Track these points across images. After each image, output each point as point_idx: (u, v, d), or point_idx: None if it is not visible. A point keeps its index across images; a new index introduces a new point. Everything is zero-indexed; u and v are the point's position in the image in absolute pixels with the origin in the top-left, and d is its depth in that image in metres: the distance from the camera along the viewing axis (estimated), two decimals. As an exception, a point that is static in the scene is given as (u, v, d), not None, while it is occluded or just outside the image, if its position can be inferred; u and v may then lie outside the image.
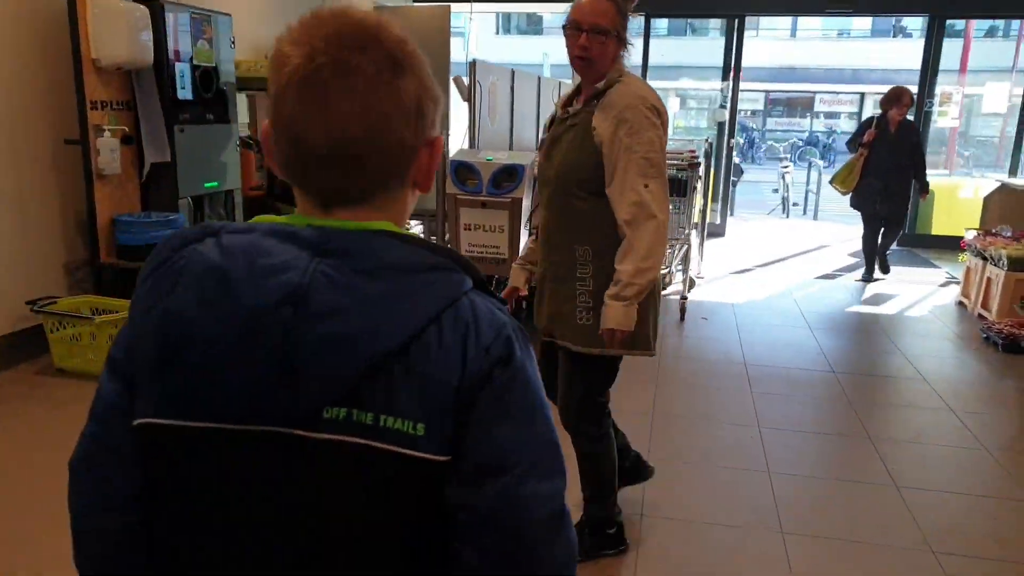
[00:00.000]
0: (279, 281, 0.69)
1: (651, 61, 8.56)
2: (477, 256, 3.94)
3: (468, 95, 4.68)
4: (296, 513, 0.73)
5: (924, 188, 6.47)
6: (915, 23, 22.71)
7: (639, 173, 2.02)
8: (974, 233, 6.07)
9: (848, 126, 25.80)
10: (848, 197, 6.54)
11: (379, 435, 0.70)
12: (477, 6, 9.17)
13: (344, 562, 0.74)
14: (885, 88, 6.30)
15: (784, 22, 22.86)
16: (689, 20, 20.02)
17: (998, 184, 7.63)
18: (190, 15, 4.40)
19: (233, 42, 4.84)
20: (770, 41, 22.65)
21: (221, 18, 4.70)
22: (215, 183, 4.70)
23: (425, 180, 0.81)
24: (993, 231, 6.06)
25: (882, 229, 6.55)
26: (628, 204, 2.03)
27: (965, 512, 2.86)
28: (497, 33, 25.78)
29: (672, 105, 22.91)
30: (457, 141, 5.18)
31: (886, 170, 6.22)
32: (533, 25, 26.41)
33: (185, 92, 4.38)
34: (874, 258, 6.62)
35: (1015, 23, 16.81)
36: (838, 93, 25.12)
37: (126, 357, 0.77)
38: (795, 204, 11.86)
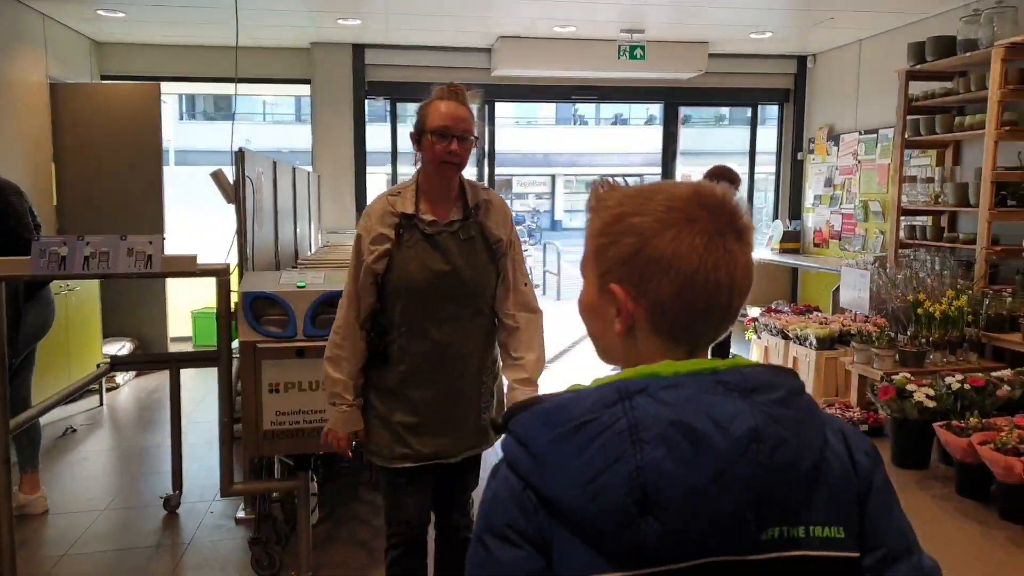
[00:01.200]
0: (741, 426, 0.77)
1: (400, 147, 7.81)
2: (292, 429, 2.69)
3: (234, 195, 3.43)
4: None
5: None
6: (590, 113, 25.21)
7: (523, 272, 2.26)
8: (758, 310, 6.12)
9: (540, 204, 27.60)
10: None
11: (811, 545, 0.80)
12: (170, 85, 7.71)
13: None
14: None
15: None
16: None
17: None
18: None
19: None
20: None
21: None
22: None
23: None
24: (773, 307, 6.17)
25: None
26: (526, 299, 2.23)
27: None
28: (181, 119, 23.42)
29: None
30: (217, 257, 3.82)
31: None
32: (222, 110, 24.49)
33: None
34: None
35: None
36: (531, 176, 26.83)
37: (529, 524, 0.80)
38: (536, 285, 11.81)
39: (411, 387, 2.13)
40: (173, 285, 6.66)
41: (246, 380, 2.63)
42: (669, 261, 0.81)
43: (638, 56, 6.95)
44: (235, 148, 3.44)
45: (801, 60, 7.87)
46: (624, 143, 23.58)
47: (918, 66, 5.59)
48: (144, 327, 6.29)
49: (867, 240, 6.78)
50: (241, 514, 3.53)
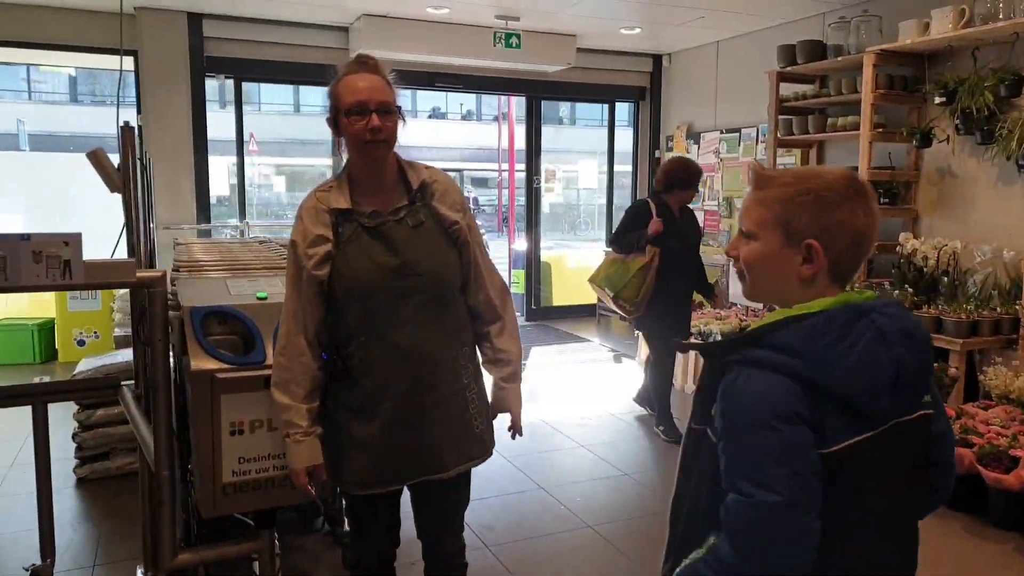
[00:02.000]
0: (923, 330, 1.22)
1: (247, 135, 6.95)
2: (259, 479, 2.10)
3: (122, 182, 2.72)
4: (907, 467, 1.22)
5: (710, 292, 4.81)
6: (407, 105, 24.61)
7: (486, 254, 2.07)
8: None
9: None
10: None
11: (927, 406, 1.25)
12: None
13: (911, 478, 1.25)
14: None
15: (286, 96, 22.50)
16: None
17: (605, 253, 8.10)
18: None
19: None
20: (273, 116, 22.02)
21: None
22: None
23: None
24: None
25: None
26: (498, 286, 2.06)
27: None
28: (-81, 93, 19.62)
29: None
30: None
31: (687, 277, 4.48)
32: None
33: None
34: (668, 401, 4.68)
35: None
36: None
37: (805, 409, 1.12)
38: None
39: (381, 402, 1.90)
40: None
41: (200, 420, 2.02)
42: (849, 223, 1.18)
43: (514, 45, 6.70)
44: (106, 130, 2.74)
45: (657, 59, 8.04)
46: (443, 137, 23.26)
47: (789, 68, 5.84)
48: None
49: (732, 235, 7.05)
50: (141, 581, 2.82)
